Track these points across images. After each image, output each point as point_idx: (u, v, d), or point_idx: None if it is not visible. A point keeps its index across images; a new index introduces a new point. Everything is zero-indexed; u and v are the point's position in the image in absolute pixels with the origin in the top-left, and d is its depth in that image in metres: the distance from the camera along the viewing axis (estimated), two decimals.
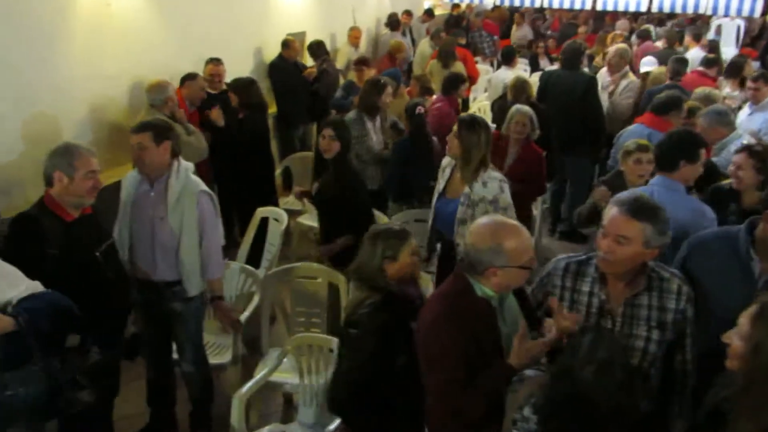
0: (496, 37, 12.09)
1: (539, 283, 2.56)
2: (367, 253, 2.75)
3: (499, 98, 6.63)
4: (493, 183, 3.81)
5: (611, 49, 6.63)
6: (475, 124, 3.81)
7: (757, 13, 10.78)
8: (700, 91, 5.59)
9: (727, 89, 6.78)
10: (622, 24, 11.35)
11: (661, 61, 7.42)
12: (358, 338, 2.64)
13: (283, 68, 7.05)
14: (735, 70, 6.81)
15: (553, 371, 2.00)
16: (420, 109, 4.94)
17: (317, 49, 7.57)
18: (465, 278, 2.29)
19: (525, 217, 5.05)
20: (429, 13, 11.92)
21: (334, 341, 3.07)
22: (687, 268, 2.58)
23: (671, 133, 3.41)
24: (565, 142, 5.88)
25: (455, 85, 6.13)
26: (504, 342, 2.30)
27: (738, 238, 2.47)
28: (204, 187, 3.38)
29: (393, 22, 10.23)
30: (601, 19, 12.73)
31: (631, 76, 6.61)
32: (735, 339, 1.76)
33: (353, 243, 3.52)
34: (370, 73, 6.54)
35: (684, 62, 6.68)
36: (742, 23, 10.55)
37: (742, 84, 6.85)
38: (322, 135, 4.07)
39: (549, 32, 12.65)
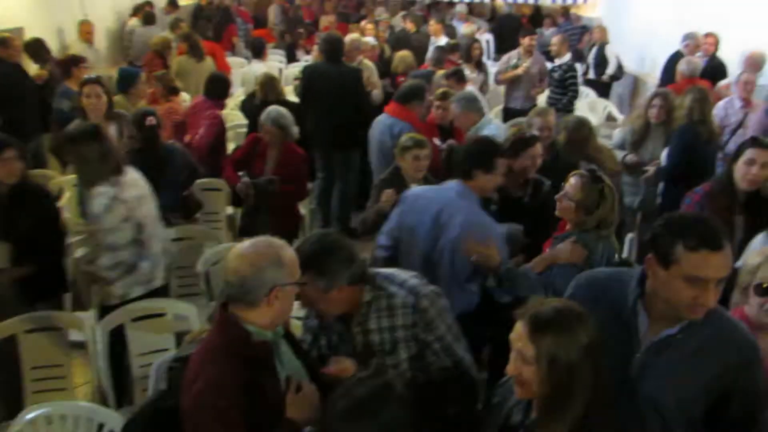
0: (250, 26, 11.67)
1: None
2: None
3: (248, 96, 6.28)
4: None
5: (347, 40, 6.52)
6: None
7: None
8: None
9: (467, 71, 7.20)
10: (381, 11, 11.62)
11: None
12: None
13: (2, 72, 5.93)
14: (468, 54, 7.26)
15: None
16: (151, 120, 4.27)
17: (37, 48, 6.51)
18: (236, 322, 1.91)
19: (293, 221, 4.86)
20: (173, 3, 11.08)
21: None
22: None
23: (469, 141, 3.32)
24: (333, 137, 5.74)
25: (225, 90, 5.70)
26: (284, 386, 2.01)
27: (628, 286, 1.95)
28: None
29: (148, 16, 9.30)
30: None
31: (367, 64, 6.58)
32: (520, 366, 1.66)
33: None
34: (82, 73, 5.59)
35: (446, 50, 6.90)
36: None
37: (478, 65, 7.36)
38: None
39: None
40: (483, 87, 7.39)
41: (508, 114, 7.20)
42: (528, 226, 3.48)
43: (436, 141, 4.80)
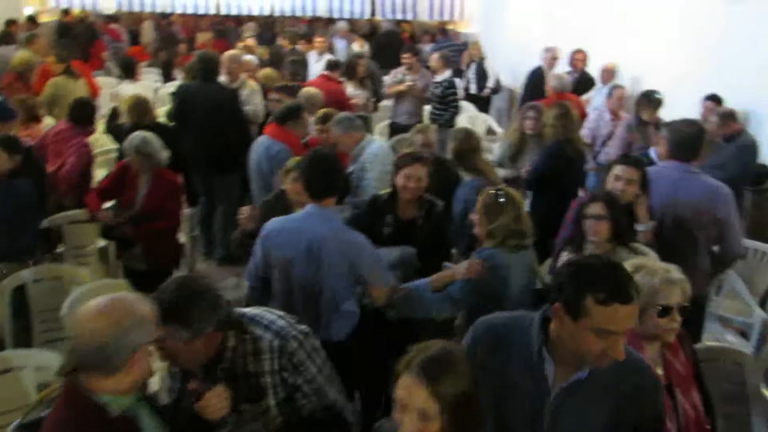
0: (121, 44, 11.09)
1: None
2: None
3: (110, 118, 5.88)
4: None
5: (225, 57, 6.29)
6: None
7: (367, 15, 11.87)
8: (304, 91, 5.71)
9: (350, 89, 7.17)
10: (250, 26, 11.35)
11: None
12: None
13: None
14: (352, 71, 7.22)
15: None
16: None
17: None
18: (87, 396, 1.67)
19: (172, 251, 4.56)
20: (32, 20, 10.30)
21: None
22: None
23: (313, 160, 3.05)
24: (211, 160, 5.47)
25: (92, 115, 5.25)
26: None
27: (530, 332, 1.87)
28: None
29: (6, 35, 8.54)
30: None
31: (251, 84, 6.40)
32: (423, 426, 1.55)
33: None
34: None
35: (301, 63, 6.80)
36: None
37: (361, 82, 7.35)
38: None
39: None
40: (368, 104, 7.39)
41: (394, 129, 7.26)
42: (422, 249, 3.42)
43: None
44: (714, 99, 5.45)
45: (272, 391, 2.10)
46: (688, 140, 3.51)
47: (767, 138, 4.30)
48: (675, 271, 2.22)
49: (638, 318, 2.15)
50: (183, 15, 12.28)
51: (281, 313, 2.22)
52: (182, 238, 4.93)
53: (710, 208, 3.41)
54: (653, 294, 2.16)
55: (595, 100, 6.88)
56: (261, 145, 4.74)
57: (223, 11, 11.85)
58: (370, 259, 2.95)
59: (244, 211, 3.58)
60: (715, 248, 3.57)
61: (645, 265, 2.25)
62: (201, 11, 11.81)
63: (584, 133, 6.18)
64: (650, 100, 5.46)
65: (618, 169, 3.34)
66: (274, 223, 3.02)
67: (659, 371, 2.19)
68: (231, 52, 6.68)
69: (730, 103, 5.32)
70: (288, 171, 3.70)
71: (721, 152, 4.76)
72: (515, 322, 1.93)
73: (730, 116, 4.93)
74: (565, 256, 3.10)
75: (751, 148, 4.94)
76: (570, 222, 3.30)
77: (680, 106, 5.69)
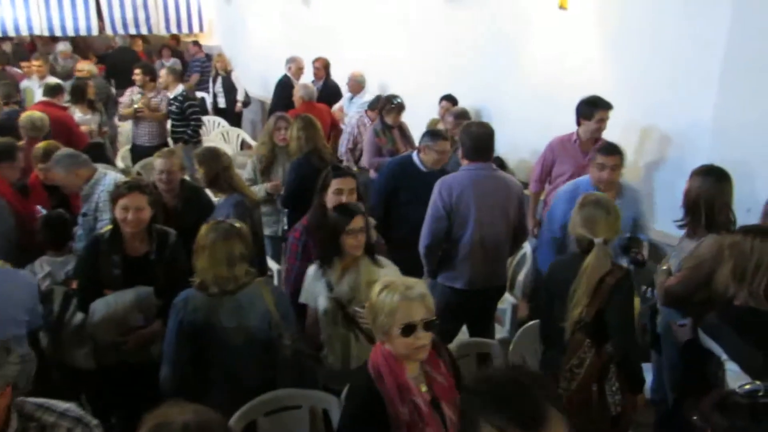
0: None
1: None
2: None
3: None
4: None
5: None
6: None
7: (94, 31, 10.74)
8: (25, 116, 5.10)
9: (78, 114, 6.41)
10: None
11: None
12: None
13: None
14: (79, 94, 6.50)
15: None
16: None
17: None
18: None
19: None
20: None
21: None
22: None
23: None
24: None
25: None
26: None
27: None
28: None
29: None
30: None
31: None
32: None
33: None
34: None
35: (13, 86, 6.03)
36: None
37: (91, 106, 6.62)
38: None
39: None
40: (102, 129, 6.68)
41: (135, 152, 6.75)
42: (159, 285, 3.12)
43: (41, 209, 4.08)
44: (449, 99, 5.78)
45: None
46: (484, 140, 3.68)
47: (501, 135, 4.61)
48: (417, 286, 2.13)
49: (387, 339, 2.10)
50: None
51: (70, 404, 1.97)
52: None
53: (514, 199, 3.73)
54: (392, 312, 2.06)
55: (349, 108, 6.95)
56: None
57: None
58: None
59: None
60: None
61: (389, 282, 2.16)
62: None
63: (343, 138, 6.25)
64: (393, 104, 5.61)
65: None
66: None
67: (423, 389, 2.13)
68: None
69: (465, 102, 5.69)
70: None
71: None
72: None
73: (462, 115, 5.23)
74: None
75: None
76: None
77: (423, 107, 6.00)
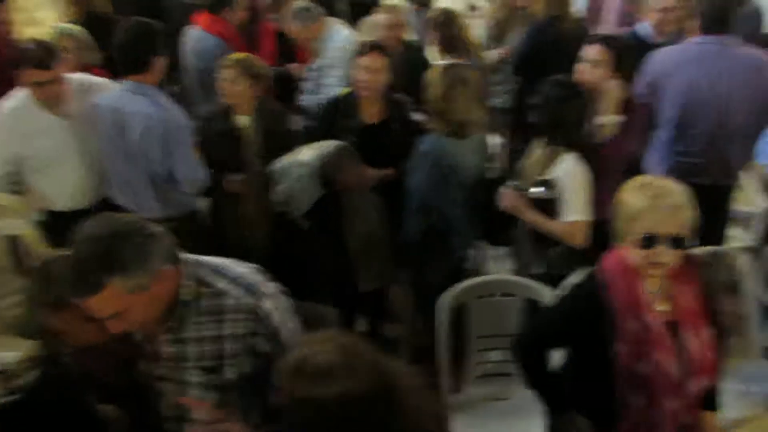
0: None
1: None
2: None
3: None
4: None
5: None
6: None
7: None
8: None
9: None
10: None
11: None
12: None
13: None
14: None
15: None
16: None
17: None
18: None
19: None
20: None
21: None
22: None
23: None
24: None
25: None
26: None
27: None
28: None
29: None
30: None
31: None
32: None
33: None
34: None
35: None
36: None
37: None
38: None
39: None
40: None
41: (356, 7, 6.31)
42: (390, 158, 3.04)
43: None
44: None
45: (232, 362, 1.62)
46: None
47: None
48: (673, 195, 1.74)
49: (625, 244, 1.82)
50: None
51: (251, 265, 1.73)
52: None
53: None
54: (633, 219, 1.75)
55: None
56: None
57: None
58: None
59: None
60: None
61: (642, 182, 1.82)
62: None
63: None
64: None
65: (582, 50, 2.87)
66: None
67: (661, 307, 1.84)
68: None
69: None
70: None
71: None
72: None
73: None
74: None
75: None
76: None
77: None
